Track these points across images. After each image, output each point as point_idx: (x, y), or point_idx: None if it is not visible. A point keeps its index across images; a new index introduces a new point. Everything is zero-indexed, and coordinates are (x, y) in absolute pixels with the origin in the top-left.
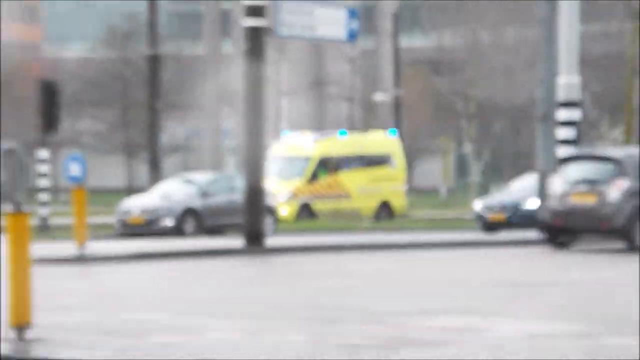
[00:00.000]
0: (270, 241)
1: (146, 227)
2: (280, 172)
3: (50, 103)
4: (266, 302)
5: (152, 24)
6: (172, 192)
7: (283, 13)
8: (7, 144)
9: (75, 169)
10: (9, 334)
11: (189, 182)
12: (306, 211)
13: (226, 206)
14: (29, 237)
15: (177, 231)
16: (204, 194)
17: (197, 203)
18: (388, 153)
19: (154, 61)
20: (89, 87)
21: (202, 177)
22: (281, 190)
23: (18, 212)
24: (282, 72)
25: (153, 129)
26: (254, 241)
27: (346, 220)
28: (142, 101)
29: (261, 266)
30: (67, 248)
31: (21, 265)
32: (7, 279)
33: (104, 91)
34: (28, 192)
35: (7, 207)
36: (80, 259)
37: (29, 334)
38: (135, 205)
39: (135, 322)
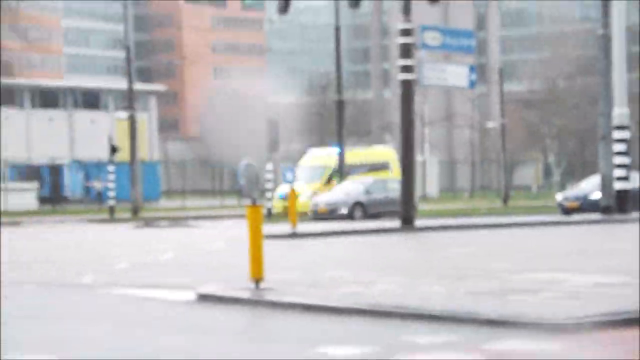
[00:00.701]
0: (417, 223)
1: (329, 215)
2: (305, 178)
3: (273, 133)
4: (416, 264)
5: (339, 79)
6: (346, 190)
7: (425, 70)
8: (246, 161)
9: (289, 176)
10: (249, 285)
11: (358, 183)
12: None
13: (382, 200)
14: (260, 221)
15: (349, 217)
16: (367, 191)
17: (362, 198)
18: (387, 161)
19: (340, 104)
20: (298, 122)
21: (366, 180)
22: (305, 191)
23: (254, 205)
24: (425, 109)
25: (340, 148)
26: (407, 223)
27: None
28: (332, 130)
29: (412, 240)
30: (284, 228)
31: (256, 240)
32: (248, 249)
33: (308, 124)
34: (260, 192)
35: (247, 202)
36: (293, 236)
37: (262, 285)
38: (322, 199)
39: (329, 277)
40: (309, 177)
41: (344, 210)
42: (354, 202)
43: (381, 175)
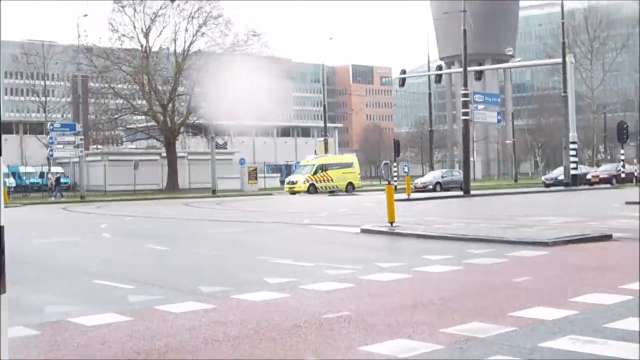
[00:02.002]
0: (472, 192)
1: (422, 189)
2: (302, 171)
3: (397, 148)
4: (471, 213)
5: (430, 119)
6: (432, 176)
7: (475, 114)
8: (385, 161)
9: (405, 169)
10: (387, 224)
11: (438, 172)
12: (313, 187)
13: (450, 180)
14: (392, 191)
15: (433, 190)
16: (443, 176)
17: (440, 179)
18: (351, 162)
19: (431, 132)
20: (409, 141)
21: (442, 170)
22: (301, 179)
23: (389, 184)
24: (474, 133)
25: (431, 155)
26: (466, 192)
27: (330, 191)
28: (426, 146)
29: (469, 201)
30: (403, 196)
31: (390, 201)
32: (386, 205)
33: (414, 142)
34: (391, 177)
35: (385, 182)
36: (407, 200)
37: (394, 224)
38: (419, 180)
39: (427, 220)
40: (304, 171)
41: (431, 186)
42: (436, 182)
43: (348, 170)
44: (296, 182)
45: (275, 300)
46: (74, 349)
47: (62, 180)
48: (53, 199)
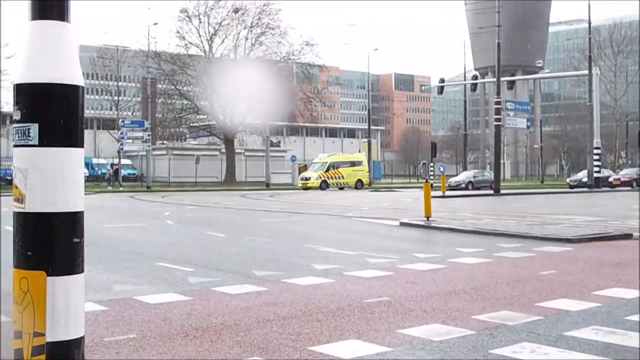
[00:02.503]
0: (501, 191)
1: (456, 187)
2: (315, 168)
3: (434, 149)
4: (501, 210)
5: (465, 124)
6: (465, 175)
7: (506, 120)
8: (423, 161)
9: (440, 169)
10: (424, 218)
11: (471, 172)
12: (325, 184)
13: (481, 180)
14: (429, 189)
15: (465, 188)
16: (474, 176)
17: (472, 178)
18: (361, 160)
19: (465, 136)
20: (445, 144)
21: (475, 171)
22: (314, 175)
23: (426, 181)
24: (505, 137)
25: (465, 156)
26: (496, 191)
27: (340, 188)
28: (461, 148)
29: (499, 199)
30: (438, 193)
31: (427, 197)
32: (423, 200)
33: (450, 145)
34: (428, 176)
35: (423, 180)
36: (443, 197)
37: (430, 219)
38: (453, 179)
39: (460, 215)
40: (317, 168)
41: (464, 185)
42: (468, 181)
43: (358, 168)
44: (309, 178)
45: (321, 284)
46: (138, 324)
47: (128, 171)
48: (110, 188)
